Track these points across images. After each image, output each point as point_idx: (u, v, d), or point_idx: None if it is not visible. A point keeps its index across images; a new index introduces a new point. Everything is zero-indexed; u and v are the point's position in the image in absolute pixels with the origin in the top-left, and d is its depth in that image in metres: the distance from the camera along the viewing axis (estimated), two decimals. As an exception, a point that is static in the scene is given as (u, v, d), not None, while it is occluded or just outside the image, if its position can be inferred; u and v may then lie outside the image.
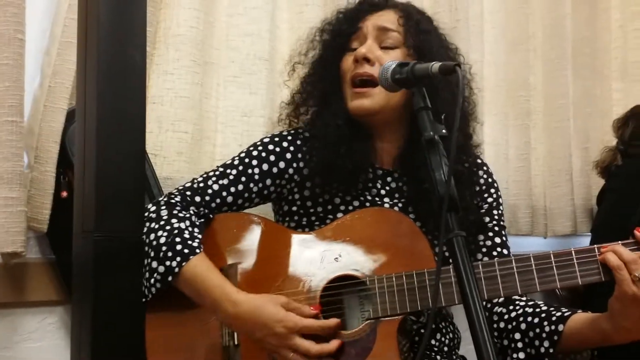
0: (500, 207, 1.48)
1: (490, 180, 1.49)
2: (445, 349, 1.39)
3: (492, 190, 1.48)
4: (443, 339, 1.40)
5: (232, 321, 1.21)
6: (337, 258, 1.29)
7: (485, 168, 1.50)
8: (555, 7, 2.46)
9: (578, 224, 2.42)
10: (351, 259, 1.28)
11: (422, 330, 1.34)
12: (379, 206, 1.39)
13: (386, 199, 1.40)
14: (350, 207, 1.37)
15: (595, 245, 1.19)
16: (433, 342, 1.37)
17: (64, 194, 1.43)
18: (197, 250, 1.23)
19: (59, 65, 1.42)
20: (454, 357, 1.42)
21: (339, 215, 1.36)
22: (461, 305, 1.19)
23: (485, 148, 2.25)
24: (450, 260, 1.16)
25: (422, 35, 1.38)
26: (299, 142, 1.42)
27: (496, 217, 1.45)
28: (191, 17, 1.66)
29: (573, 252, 1.19)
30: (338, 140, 1.34)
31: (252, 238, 1.34)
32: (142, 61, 1.00)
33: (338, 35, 1.42)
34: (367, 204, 1.38)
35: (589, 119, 2.51)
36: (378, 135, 1.41)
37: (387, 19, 1.39)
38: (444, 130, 1.10)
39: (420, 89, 1.13)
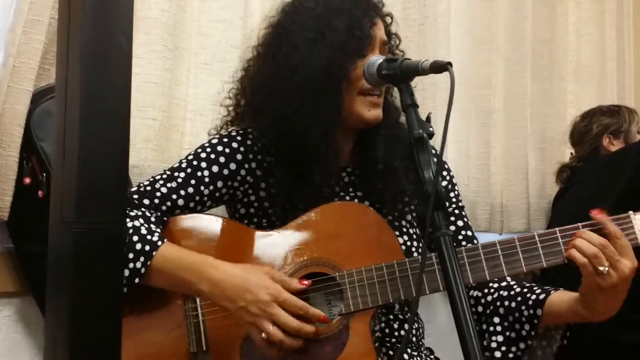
0: (456, 187, 1.49)
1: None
2: (414, 339, 1.41)
3: (445, 173, 1.48)
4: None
5: (214, 289, 1.16)
6: (304, 255, 1.27)
7: (433, 151, 1.48)
8: (517, 8, 2.51)
9: (532, 221, 2.48)
10: (319, 255, 1.27)
11: (392, 322, 1.35)
12: (336, 201, 1.36)
13: (342, 194, 1.39)
14: (310, 205, 1.33)
15: (556, 229, 1.23)
16: (402, 332, 1.36)
17: (27, 180, 1.36)
18: (159, 243, 1.20)
19: (25, 44, 1.35)
20: (422, 348, 1.43)
21: (299, 213, 1.33)
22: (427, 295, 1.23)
23: (448, 145, 2.28)
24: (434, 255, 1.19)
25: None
26: (249, 142, 1.36)
27: (454, 199, 1.46)
28: (163, 0, 1.60)
29: (536, 236, 1.23)
30: (327, 145, 1.29)
31: (215, 238, 1.31)
32: (128, 47, 0.95)
33: (357, 39, 1.29)
34: (324, 201, 1.34)
35: (545, 120, 2.57)
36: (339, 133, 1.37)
37: (381, 28, 1.36)
38: (431, 128, 1.11)
39: (408, 86, 1.13)
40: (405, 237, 1.38)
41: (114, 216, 0.99)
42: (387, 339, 1.35)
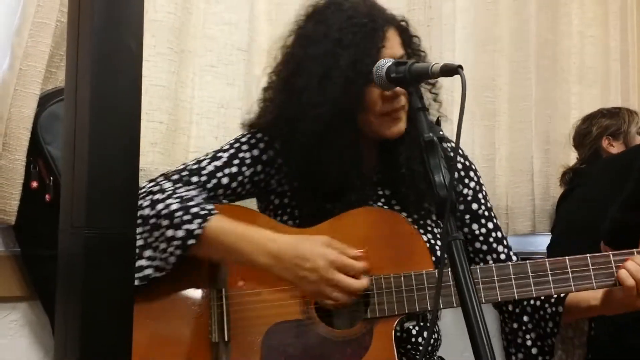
0: (484, 188, 1.48)
1: (467, 163, 1.47)
2: (429, 348, 1.40)
3: (472, 174, 1.46)
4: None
5: (273, 262, 1.20)
6: None
7: (460, 151, 1.46)
8: (520, 9, 2.49)
9: (537, 223, 2.47)
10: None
11: (411, 328, 1.35)
12: (371, 205, 1.36)
13: (370, 193, 1.38)
14: (340, 208, 1.32)
15: (587, 255, 1.26)
16: (420, 339, 1.36)
17: (34, 184, 1.35)
18: (214, 212, 1.22)
19: (32, 47, 1.35)
20: (435, 358, 1.43)
21: (328, 206, 1.32)
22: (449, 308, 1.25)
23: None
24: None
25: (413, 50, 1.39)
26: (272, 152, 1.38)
27: (482, 200, 1.45)
28: (168, 3, 1.60)
29: (567, 260, 1.26)
30: (350, 168, 1.30)
31: None
32: (138, 50, 0.94)
33: (365, 71, 1.23)
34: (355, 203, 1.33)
35: (550, 121, 2.55)
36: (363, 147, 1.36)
37: (395, 43, 1.31)
38: (441, 132, 1.10)
39: (417, 89, 1.13)
40: (429, 235, 1.38)
41: (124, 221, 0.98)
42: (403, 344, 1.34)
